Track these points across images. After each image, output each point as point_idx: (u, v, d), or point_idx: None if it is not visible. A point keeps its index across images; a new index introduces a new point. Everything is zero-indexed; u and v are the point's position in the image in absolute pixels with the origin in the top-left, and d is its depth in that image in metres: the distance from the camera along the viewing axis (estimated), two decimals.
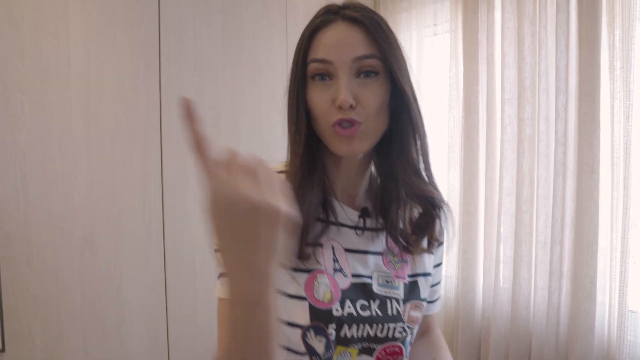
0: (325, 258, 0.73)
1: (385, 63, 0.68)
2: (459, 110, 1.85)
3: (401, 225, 0.76)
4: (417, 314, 0.76)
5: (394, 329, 0.73)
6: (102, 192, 1.42)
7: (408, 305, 0.76)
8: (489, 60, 1.75)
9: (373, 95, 0.68)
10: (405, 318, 0.75)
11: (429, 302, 0.85)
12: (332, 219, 0.75)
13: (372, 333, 0.72)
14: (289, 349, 0.71)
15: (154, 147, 1.51)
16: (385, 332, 0.73)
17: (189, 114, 0.45)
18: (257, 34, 1.72)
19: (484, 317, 1.82)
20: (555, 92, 1.55)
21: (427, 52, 1.99)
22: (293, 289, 0.70)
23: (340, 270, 0.73)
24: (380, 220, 0.77)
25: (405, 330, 0.74)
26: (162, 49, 1.51)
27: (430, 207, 0.76)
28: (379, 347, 0.73)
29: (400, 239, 0.76)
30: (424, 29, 1.98)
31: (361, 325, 0.71)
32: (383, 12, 2.09)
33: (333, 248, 0.74)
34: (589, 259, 1.48)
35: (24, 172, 1.29)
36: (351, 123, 0.67)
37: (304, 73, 0.70)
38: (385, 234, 0.77)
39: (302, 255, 0.70)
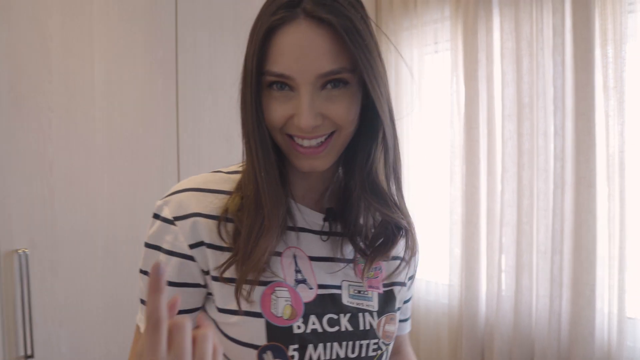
0: (284, 268, 0.65)
1: (359, 74, 0.58)
2: (460, 125, 1.94)
3: (363, 233, 0.69)
4: (392, 328, 0.70)
5: (367, 346, 0.66)
6: (123, 203, 1.48)
7: (383, 318, 0.68)
8: (488, 78, 1.83)
9: (342, 108, 0.59)
10: (380, 333, 0.67)
11: (400, 321, 0.79)
12: (291, 224, 0.67)
13: (342, 353, 0.64)
14: None
15: (172, 161, 1.57)
16: (357, 350, 0.65)
17: (156, 281, 0.41)
18: None
19: (487, 324, 1.88)
20: (553, 110, 1.64)
21: (428, 69, 2.08)
22: (246, 305, 0.62)
23: (304, 281, 0.66)
24: (342, 224, 0.70)
25: (380, 348, 0.67)
26: (179, 69, 1.58)
27: (394, 228, 0.69)
28: None
29: (361, 246, 0.69)
30: (425, 47, 2.07)
31: (329, 345, 0.63)
32: (385, 31, 2.19)
33: (295, 257, 0.66)
34: (588, 267, 1.56)
35: (51, 185, 1.35)
36: (319, 142, 0.60)
37: (259, 83, 0.59)
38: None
39: (255, 267, 0.61)
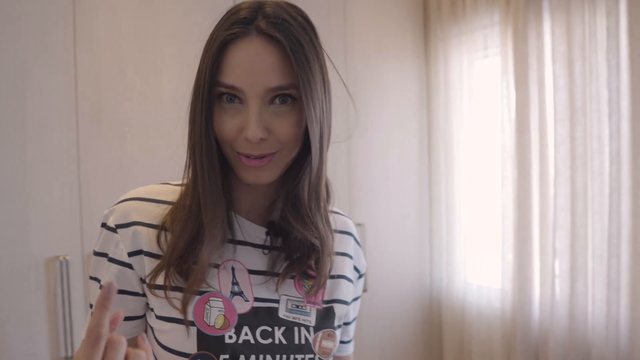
0: (221, 280, 0.66)
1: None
2: (511, 129, 1.94)
3: (293, 248, 0.69)
4: (329, 345, 0.70)
5: None
6: None
7: (320, 334, 0.69)
8: (539, 82, 1.83)
9: (287, 125, 0.61)
10: (316, 349, 0.68)
11: (343, 343, 0.80)
12: (233, 237, 0.68)
13: None
14: None
15: None
16: None
17: (106, 298, 0.46)
18: None
19: (541, 328, 1.87)
20: (608, 113, 1.63)
21: (477, 74, 2.10)
22: (178, 313, 0.63)
23: (240, 293, 0.67)
24: (282, 241, 0.71)
25: None
26: None
27: (307, 244, 0.69)
28: None
29: (292, 264, 0.69)
30: (475, 53, 2.09)
31: (261, 356, 0.64)
32: (433, 39, 2.22)
33: (233, 269, 0.68)
34: None
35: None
36: (261, 156, 0.62)
37: (211, 94, 0.61)
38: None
39: (189, 277, 0.63)
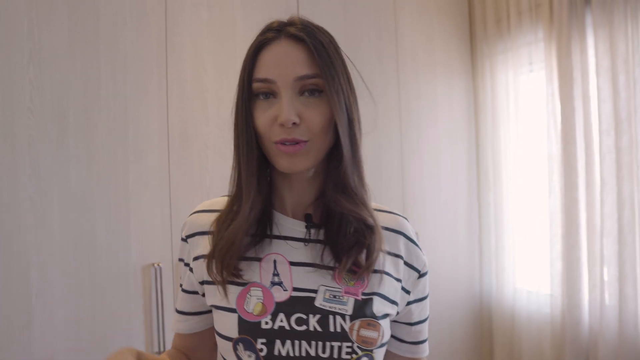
0: (262, 272, 0.72)
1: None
2: (557, 140, 2.03)
3: (340, 240, 0.73)
4: (371, 334, 0.70)
5: (340, 348, 0.68)
6: None
7: (357, 322, 0.70)
8: (584, 95, 1.92)
9: (316, 114, 0.69)
10: (354, 337, 0.69)
11: (416, 343, 0.82)
12: (275, 232, 0.75)
13: (312, 352, 0.67)
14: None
15: None
16: (328, 351, 0.68)
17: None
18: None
19: (591, 333, 1.94)
20: None
21: (523, 88, 2.20)
22: (226, 302, 0.72)
23: (279, 283, 0.72)
24: (325, 235, 0.75)
25: (355, 352, 0.68)
26: None
27: (362, 225, 0.73)
28: None
29: (340, 255, 0.72)
30: (520, 68, 2.19)
31: (297, 342, 0.67)
32: (479, 56, 2.34)
33: (275, 262, 0.73)
34: None
35: None
36: (295, 142, 0.68)
37: (250, 92, 0.71)
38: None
39: (234, 270, 0.71)
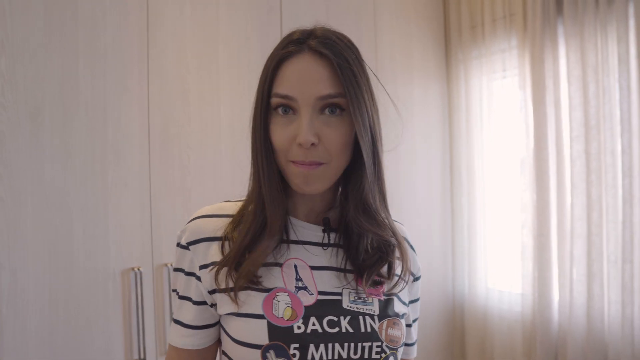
0: (285, 276, 0.71)
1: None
2: (529, 146, 2.10)
3: (360, 252, 0.74)
4: (396, 333, 0.72)
5: (370, 348, 0.68)
6: None
7: (385, 322, 0.71)
8: (556, 103, 2.00)
9: (337, 134, 0.67)
10: (383, 337, 0.70)
11: (407, 345, 0.83)
12: (292, 237, 0.74)
13: (344, 354, 0.67)
14: None
15: None
16: (360, 352, 0.68)
17: None
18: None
19: (560, 330, 2.02)
20: (620, 131, 1.79)
21: (496, 94, 2.26)
22: (249, 308, 0.68)
23: (304, 288, 0.71)
24: (343, 241, 0.76)
25: (384, 351, 0.69)
26: None
27: (383, 245, 0.75)
28: None
29: (359, 266, 0.74)
30: (494, 74, 2.26)
31: (330, 345, 0.67)
32: (454, 61, 2.39)
33: (296, 267, 0.72)
34: None
35: (190, 210, 1.65)
36: (312, 163, 0.67)
37: (269, 105, 0.69)
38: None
39: (253, 278, 0.69)
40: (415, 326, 0.87)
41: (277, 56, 0.69)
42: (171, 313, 1.52)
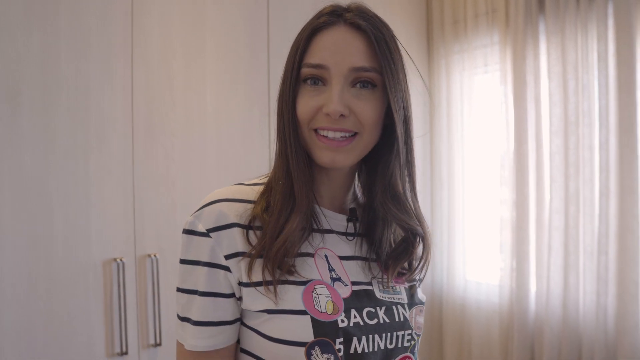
0: (319, 267, 0.68)
1: (383, 80, 0.65)
2: (510, 140, 2.14)
3: (384, 243, 0.73)
4: (421, 320, 0.73)
5: (402, 337, 0.69)
6: None
7: (413, 310, 0.72)
8: (536, 98, 2.04)
9: (370, 107, 0.65)
10: (413, 324, 0.71)
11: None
12: (319, 227, 0.70)
13: (382, 345, 0.67)
14: None
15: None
16: (394, 342, 0.68)
17: None
18: None
19: (537, 319, 2.08)
20: (598, 127, 1.84)
21: (477, 89, 2.30)
22: (289, 304, 0.64)
23: (339, 279, 0.68)
24: (365, 231, 0.74)
25: (413, 338, 0.70)
26: (271, 98, 1.83)
27: (410, 235, 0.73)
28: None
29: (382, 256, 0.73)
30: (475, 69, 2.29)
31: (370, 337, 0.66)
32: (436, 55, 2.41)
33: (326, 257, 0.69)
34: (633, 266, 1.75)
35: (174, 199, 1.61)
36: (342, 132, 0.64)
37: (298, 76, 0.66)
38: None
39: (290, 268, 0.65)
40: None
41: (310, 26, 0.66)
42: (155, 307, 1.48)
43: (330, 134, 0.64)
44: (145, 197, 1.55)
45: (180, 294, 0.69)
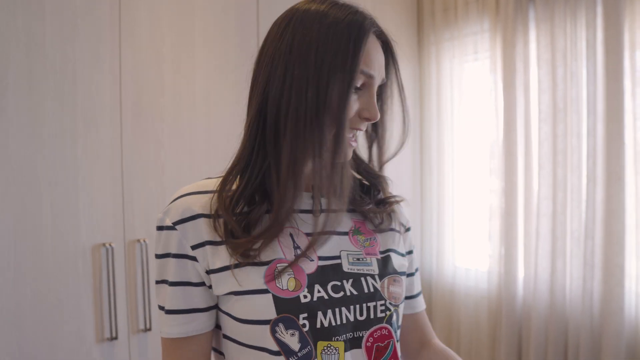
0: (283, 246, 0.69)
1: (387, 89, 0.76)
2: (499, 127, 2.16)
3: (358, 198, 0.78)
4: (397, 290, 0.74)
5: (375, 307, 0.70)
6: None
7: (385, 280, 0.73)
8: (525, 85, 2.05)
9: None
10: (386, 294, 0.71)
11: (410, 298, 0.85)
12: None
13: (351, 317, 0.68)
14: (261, 349, 0.66)
15: None
16: (365, 313, 0.69)
17: None
18: None
19: (525, 304, 2.11)
20: (586, 114, 1.86)
21: (467, 76, 2.30)
22: (251, 284, 0.66)
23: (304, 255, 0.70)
24: (339, 200, 0.74)
25: (388, 309, 0.71)
26: None
27: (373, 178, 0.81)
28: (365, 334, 0.69)
29: (364, 211, 0.77)
30: (465, 56, 2.29)
31: (337, 310, 0.67)
32: (426, 43, 2.41)
33: (291, 235, 0.71)
34: (618, 251, 1.78)
35: (164, 185, 1.60)
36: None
37: (352, 78, 0.66)
38: (347, 214, 0.76)
39: (251, 251, 0.67)
40: (417, 276, 0.88)
41: (358, 29, 0.67)
42: (144, 292, 1.48)
43: (359, 133, 0.73)
44: (134, 182, 1.53)
45: (156, 285, 0.72)
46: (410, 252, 0.86)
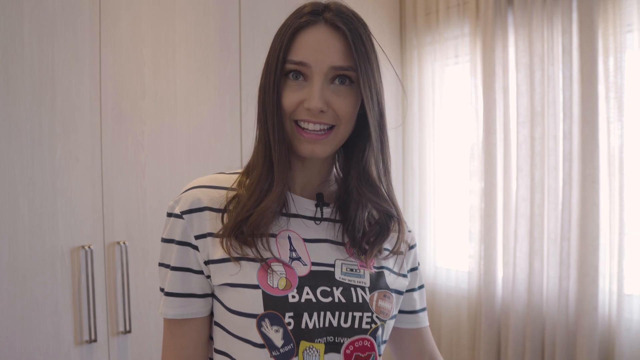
0: (280, 247, 0.72)
1: (359, 77, 0.70)
2: (479, 130, 2.19)
3: (358, 225, 0.76)
4: (386, 305, 0.74)
5: (361, 318, 0.70)
6: None
7: (375, 294, 0.73)
8: (504, 89, 2.09)
9: (346, 103, 0.70)
10: (374, 307, 0.72)
11: (412, 313, 0.85)
12: (287, 211, 0.75)
13: (334, 322, 0.70)
14: (246, 340, 0.69)
15: (236, 163, 1.82)
16: (350, 321, 0.70)
17: None
18: None
19: (503, 304, 2.14)
20: (562, 117, 1.90)
21: (448, 79, 2.34)
22: (245, 279, 0.69)
23: (298, 258, 0.72)
24: (339, 215, 0.78)
25: (374, 322, 0.72)
26: (242, 86, 1.83)
27: (384, 216, 0.78)
28: (346, 342, 0.70)
29: (357, 239, 0.76)
30: (446, 60, 2.33)
31: (322, 313, 0.69)
32: (408, 46, 2.44)
33: (290, 238, 0.73)
34: (592, 252, 1.82)
35: (144, 186, 1.60)
36: (321, 125, 0.70)
37: (282, 69, 0.70)
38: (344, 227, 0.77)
39: (249, 245, 0.70)
40: (421, 293, 0.88)
41: (293, 25, 0.70)
42: (124, 294, 1.48)
43: (310, 126, 0.70)
44: (114, 185, 1.53)
45: (159, 267, 0.76)
46: (414, 269, 0.86)
